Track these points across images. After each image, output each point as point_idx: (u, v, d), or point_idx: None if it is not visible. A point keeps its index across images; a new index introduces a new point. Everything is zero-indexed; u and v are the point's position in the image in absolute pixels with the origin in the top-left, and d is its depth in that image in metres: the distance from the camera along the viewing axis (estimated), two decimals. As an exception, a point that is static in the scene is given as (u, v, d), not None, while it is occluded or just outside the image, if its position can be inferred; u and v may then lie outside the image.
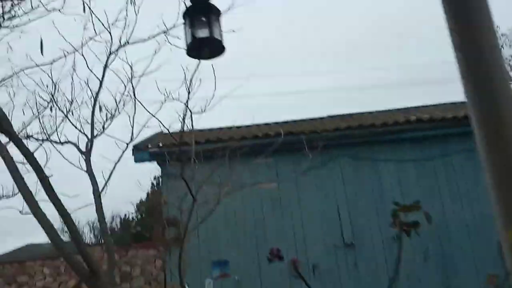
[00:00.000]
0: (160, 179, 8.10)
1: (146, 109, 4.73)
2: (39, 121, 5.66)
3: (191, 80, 4.49)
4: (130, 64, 5.58)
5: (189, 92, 4.57)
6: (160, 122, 4.62)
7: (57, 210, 4.48)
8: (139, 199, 19.01)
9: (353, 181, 7.69)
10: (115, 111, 5.84)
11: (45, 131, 5.64)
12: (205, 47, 3.02)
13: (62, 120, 5.65)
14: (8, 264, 10.91)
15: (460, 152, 7.54)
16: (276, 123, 9.40)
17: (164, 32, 5.54)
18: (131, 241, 15.58)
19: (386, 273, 7.24)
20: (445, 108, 8.88)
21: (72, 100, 5.73)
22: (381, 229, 7.41)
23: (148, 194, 17.90)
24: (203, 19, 2.98)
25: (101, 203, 5.06)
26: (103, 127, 5.83)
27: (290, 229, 7.46)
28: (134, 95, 5.47)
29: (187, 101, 4.56)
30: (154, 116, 4.69)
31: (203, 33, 3.12)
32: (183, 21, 3.08)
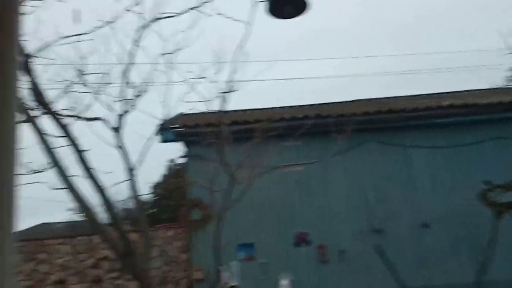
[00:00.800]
0: (186, 160, 7.96)
1: (189, 81, 4.59)
2: (68, 97, 5.56)
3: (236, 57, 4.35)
4: (163, 39, 5.47)
5: (233, 72, 4.43)
6: (201, 97, 4.47)
7: (93, 185, 4.41)
8: (154, 181, 18.99)
9: (381, 166, 7.52)
10: (146, 87, 5.73)
11: (73, 107, 5.54)
12: (288, 5, 2.82)
13: (93, 96, 5.53)
14: (27, 241, 10.93)
15: (493, 139, 7.34)
16: (302, 106, 9.21)
17: (197, 7, 5.41)
18: (148, 222, 15.58)
19: (414, 259, 7.12)
20: (478, 94, 8.64)
21: (102, 75, 5.62)
22: (409, 215, 7.27)
23: (165, 176, 17.86)
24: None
25: (135, 180, 4.98)
26: (133, 104, 5.72)
27: (317, 213, 7.34)
28: (169, 69, 5.36)
29: (230, 80, 4.42)
30: (193, 90, 4.56)
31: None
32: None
